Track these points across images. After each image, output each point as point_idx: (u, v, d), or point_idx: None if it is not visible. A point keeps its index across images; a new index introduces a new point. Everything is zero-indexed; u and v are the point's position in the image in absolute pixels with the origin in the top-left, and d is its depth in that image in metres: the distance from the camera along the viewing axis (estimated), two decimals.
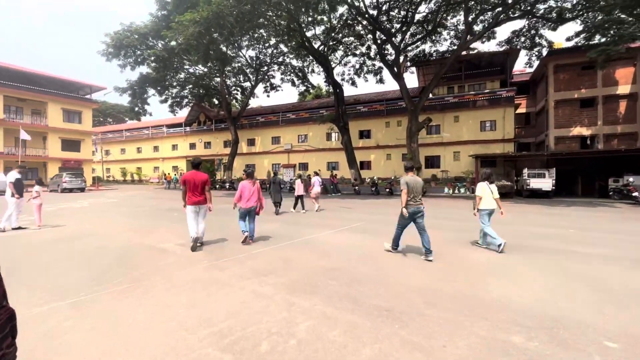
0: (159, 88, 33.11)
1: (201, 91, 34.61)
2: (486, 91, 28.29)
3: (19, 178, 8.77)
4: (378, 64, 30.63)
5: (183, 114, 43.69)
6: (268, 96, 38.29)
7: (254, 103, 48.65)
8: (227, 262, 5.17)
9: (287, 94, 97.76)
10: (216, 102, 36.87)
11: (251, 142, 38.57)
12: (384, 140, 30.96)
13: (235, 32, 23.28)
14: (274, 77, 37.66)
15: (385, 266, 4.97)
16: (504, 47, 25.96)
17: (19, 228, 8.28)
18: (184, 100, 37.51)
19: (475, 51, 28.27)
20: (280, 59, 34.61)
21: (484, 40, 25.17)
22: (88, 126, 36.53)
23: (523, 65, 27.32)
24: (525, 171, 19.41)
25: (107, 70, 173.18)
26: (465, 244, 6.41)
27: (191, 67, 34.50)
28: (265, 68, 35.28)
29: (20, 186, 8.73)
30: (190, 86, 35.32)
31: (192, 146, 43.31)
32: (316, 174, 13.62)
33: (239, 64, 36.38)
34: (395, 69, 24.69)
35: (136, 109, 31.76)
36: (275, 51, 33.41)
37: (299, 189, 12.42)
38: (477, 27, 24.19)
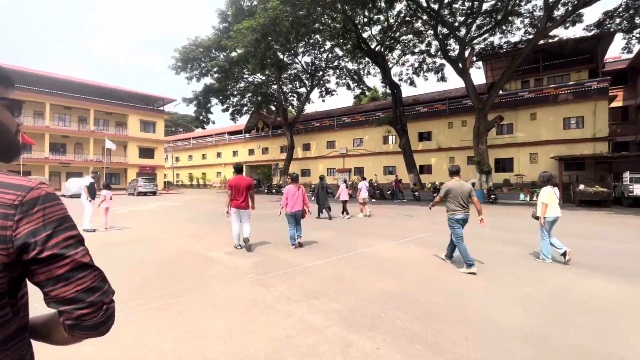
0: (221, 97, 35.00)
1: (259, 98, 35.77)
2: (571, 83, 24.55)
3: (93, 182, 9.37)
4: (439, 61, 28.65)
5: (243, 121, 45.89)
6: (323, 101, 38.26)
7: (309, 108, 49.41)
8: (273, 278, 4.59)
9: (342, 98, 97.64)
10: (273, 108, 37.87)
11: (306, 147, 38.81)
12: (446, 142, 28.67)
13: (291, 38, 23.51)
14: (329, 81, 37.70)
15: (465, 294, 3.94)
16: (594, 31, 22.31)
17: (92, 230, 8.74)
18: (244, 109, 39.20)
19: (557, 39, 24.71)
20: (335, 63, 34.37)
21: (567, 25, 21.90)
22: (161, 135, 40.10)
23: (620, 51, 23.25)
24: (627, 175, 16.16)
25: (177, 83, 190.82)
26: (565, 268, 5.01)
27: (250, 76, 36.04)
28: (321, 73, 35.30)
29: (93, 190, 9.33)
30: (250, 94, 36.82)
31: (251, 152, 45.09)
32: (363, 178, 13.07)
33: (295, 71, 36.99)
34: (460, 64, 22.65)
35: (200, 117, 33.87)
36: (330, 55, 33.26)
37: (343, 193, 12.14)
38: (558, 12, 21.10)
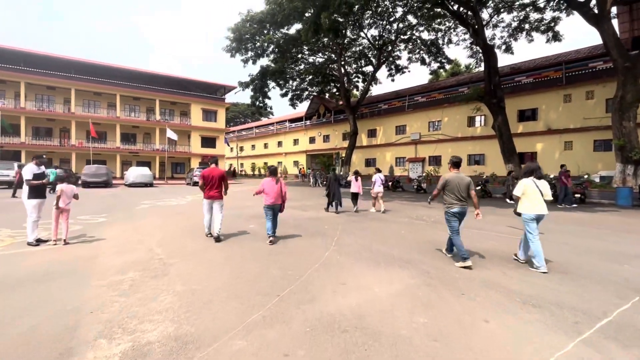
0: (279, 81, 32.37)
1: (320, 79, 32.19)
2: None
3: (38, 171, 6.58)
4: (551, 14, 21.52)
5: (304, 108, 43.09)
6: (392, 80, 32.87)
7: (375, 91, 44.39)
8: None
9: (415, 77, 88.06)
10: (335, 90, 34.06)
11: (372, 133, 34.23)
12: (561, 121, 21.53)
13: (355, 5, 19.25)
14: (399, 57, 32.35)
15: None
16: None
17: (34, 243, 5.89)
18: (304, 93, 36.17)
19: None
20: (408, 35, 29.03)
21: None
22: (222, 124, 39.40)
23: None
24: None
25: (235, 73, 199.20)
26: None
27: (309, 56, 32.71)
28: (390, 48, 30.29)
29: (39, 186, 6.56)
30: (310, 77, 33.53)
31: (312, 140, 42.11)
32: (378, 170, 11.83)
33: (360, 47, 32.56)
34: (596, 8, 15.92)
35: (257, 103, 31.67)
36: (401, 26, 28.06)
37: (353, 186, 11.34)
38: None
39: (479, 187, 17.63)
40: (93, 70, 32.54)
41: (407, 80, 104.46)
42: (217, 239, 6.29)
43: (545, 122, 22.01)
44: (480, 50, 21.99)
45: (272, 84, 31.91)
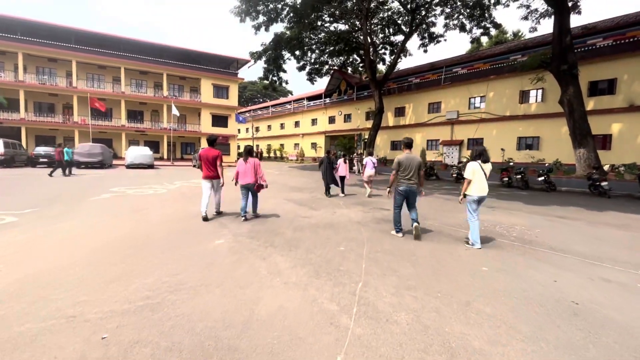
0: (296, 52, 28.65)
1: (341, 46, 28.13)
2: None
3: None
4: None
5: (323, 85, 39.21)
6: (425, 51, 28.33)
7: (403, 65, 39.65)
8: None
9: (450, 49, 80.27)
10: (359, 62, 30.01)
11: (399, 112, 30.10)
12: None
13: None
14: (434, 24, 27.71)
15: None
16: None
17: None
18: (324, 67, 32.26)
19: None
20: None
21: None
22: (234, 101, 36.33)
23: None
24: None
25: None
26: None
27: (331, 23, 28.66)
28: (424, 12, 25.81)
29: None
30: (331, 48, 29.53)
31: (331, 120, 38.39)
32: (370, 154, 11.52)
33: (389, 12, 28.16)
34: None
35: (270, 77, 28.21)
36: None
37: (340, 169, 10.72)
38: None
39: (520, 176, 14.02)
40: (96, 41, 29.98)
41: (440, 52, 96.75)
42: (219, 213, 6.96)
43: (627, 97, 17.33)
44: (546, 5, 17.44)
45: (287, 54, 28.26)
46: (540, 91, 20.20)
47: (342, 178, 10.77)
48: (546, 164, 16.28)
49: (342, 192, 10.72)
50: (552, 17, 18.79)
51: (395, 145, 30.06)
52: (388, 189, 5.65)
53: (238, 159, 6.70)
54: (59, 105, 30.50)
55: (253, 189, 6.55)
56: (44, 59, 29.17)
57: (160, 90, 33.16)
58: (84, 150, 20.51)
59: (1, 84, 26.38)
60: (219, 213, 6.93)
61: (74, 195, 9.08)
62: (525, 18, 21.96)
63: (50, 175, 14.37)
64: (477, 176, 4.85)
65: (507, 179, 15.34)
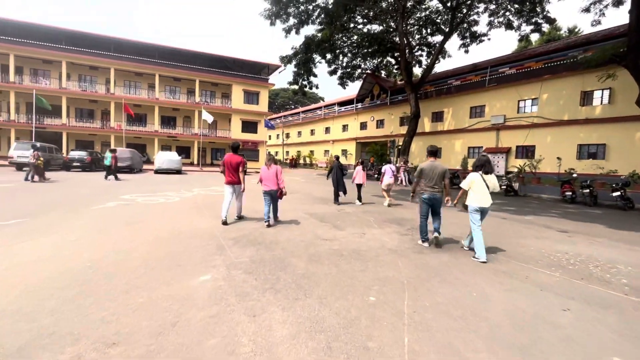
0: (327, 56, 27.60)
1: (375, 47, 26.67)
2: None
3: None
4: None
5: (355, 90, 37.85)
6: (466, 52, 26.10)
7: (441, 67, 37.21)
8: None
9: (494, 50, 75.31)
10: (393, 62, 28.38)
11: (437, 117, 27.93)
12: None
13: None
14: (476, 22, 25.52)
15: None
16: None
17: None
18: (356, 72, 30.90)
19: None
20: None
21: None
22: (264, 107, 35.93)
23: None
24: None
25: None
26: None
27: (364, 25, 27.33)
28: (465, 10, 23.77)
29: None
30: (364, 50, 28.15)
31: (363, 126, 36.81)
32: (388, 162, 11.90)
33: (427, 11, 26.35)
34: None
35: (301, 81, 27.30)
36: None
37: (358, 176, 10.22)
38: None
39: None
40: (133, 49, 30.90)
41: (483, 53, 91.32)
42: (240, 217, 7.03)
43: None
44: None
45: (318, 58, 27.24)
46: (606, 91, 17.44)
47: (359, 186, 10.36)
48: (621, 177, 13.66)
49: (359, 200, 10.30)
50: (623, 4, 16.26)
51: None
52: (412, 194, 5.57)
53: (268, 164, 6.72)
54: (98, 112, 31.64)
55: (276, 195, 6.63)
56: (85, 67, 30.44)
57: (192, 96, 33.48)
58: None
59: (46, 91, 27.70)
60: (240, 217, 7.03)
61: (78, 203, 8.36)
62: (587, 10, 19.23)
63: (106, 178, 15.25)
64: (476, 187, 4.85)
65: (570, 193, 12.99)
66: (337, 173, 10.17)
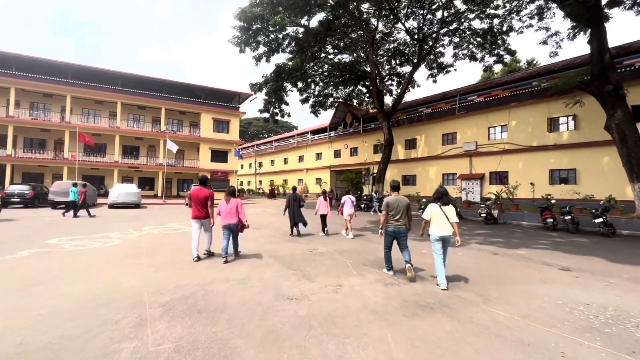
0: (298, 83, 27.27)
1: (345, 76, 26.72)
2: None
3: None
4: None
5: (328, 117, 37.77)
6: (434, 81, 26.76)
7: (411, 96, 38.21)
8: None
9: (463, 77, 79.99)
10: (364, 90, 28.51)
11: (410, 144, 27.90)
12: None
13: None
14: (442, 54, 26.43)
15: None
16: None
17: None
18: (328, 100, 30.78)
19: None
20: (454, 25, 23.27)
21: None
22: (234, 135, 34.74)
23: None
24: None
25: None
26: None
27: (335, 55, 27.51)
28: (431, 43, 24.54)
29: None
30: (336, 79, 28.14)
31: (337, 154, 36.35)
32: (348, 192, 10.94)
33: (395, 43, 27.01)
34: None
35: (271, 109, 26.58)
36: (446, 14, 22.45)
37: (321, 207, 10.10)
38: None
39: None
40: (93, 76, 29.22)
41: (451, 82, 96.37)
42: (209, 254, 6.72)
43: None
44: (575, 23, 15.62)
45: (289, 86, 26.84)
46: (571, 118, 17.87)
47: (323, 217, 10.18)
48: (600, 201, 13.44)
49: (324, 231, 10.14)
50: (577, 37, 17.08)
51: (407, 180, 27.51)
52: (380, 229, 5.68)
53: (227, 197, 6.52)
54: (51, 141, 29.08)
55: (236, 229, 6.51)
56: (39, 94, 28.23)
57: (158, 125, 31.79)
58: (59, 189, 18.35)
59: None
60: (210, 254, 6.76)
61: None
62: (545, 42, 20.18)
63: (75, 216, 14.08)
64: (435, 218, 5.05)
65: (551, 220, 12.54)
66: (294, 206, 9.84)
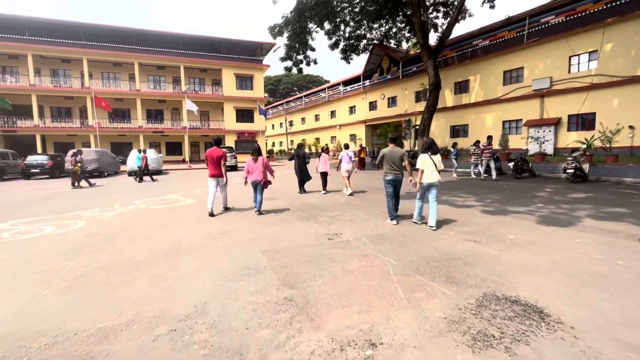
0: (325, 25, 23.23)
1: (380, 3, 21.94)
2: None
3: None
4: None
5: (361, 64, 33.34)
6: (492, 6, 21.26)
7: (461, 28, 31.42)
8: None
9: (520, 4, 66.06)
10: (403, 26, 23.81)
11: (461, 87, 23.37)
12: None
13: None
14: None
15: None
16: None
17: None
18: (361, 43, 26.40)
19: None
20: None
21: None
22: (260, 92, 32.01)
23: None
24: None
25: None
26: None
27: None
28: None
29: None
30: (369, 11, 23.50)
31: (372, 106, 32.43)
32: (346, 147, 10.20)
33: None
34: None
35: (294, 55, 23.12)
36: None
37: (321, 164, 9.78)
38: None
39: None
40: (108, 36, 27.40)
41: (514, 8, 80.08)
42: (227, 209, 7.31)
43: None
44: None
45: (314, 27, 22.94)
46: None
47: (324, 174, 9.86)
48: None
49: (324, 189, 9.87)
50: None
51: (456, 131, 23.48)
52: (414, 181, 5.59)
53: (254, 157, 6.75)
54: (76, 109, 28.51)
55: (260, 185, 6.82)
56: (57, 60, 27.21)
57: (178, 86, 29.91)
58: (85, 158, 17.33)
59: (13, 90, 24.66)
60: (227, 209, 7.30)
61: None
62: None
63: (140, 181, 14.65)
64: (426, 166, 5.34)
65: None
66: (300, 162, 9.70)
